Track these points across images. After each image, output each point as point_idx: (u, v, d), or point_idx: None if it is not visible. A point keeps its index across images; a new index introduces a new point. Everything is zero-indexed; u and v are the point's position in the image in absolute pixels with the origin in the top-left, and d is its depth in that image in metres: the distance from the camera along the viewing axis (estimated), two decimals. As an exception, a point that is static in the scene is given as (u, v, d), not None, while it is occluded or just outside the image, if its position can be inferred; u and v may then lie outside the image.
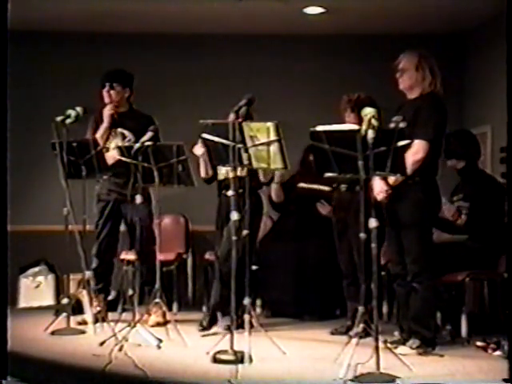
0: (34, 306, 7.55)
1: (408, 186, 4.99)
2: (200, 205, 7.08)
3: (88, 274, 6.03)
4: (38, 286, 7.74)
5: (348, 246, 5.85)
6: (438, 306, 5.31)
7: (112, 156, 6.16)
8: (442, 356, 4.92)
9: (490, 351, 5.09)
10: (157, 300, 5.63)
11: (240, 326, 5.13)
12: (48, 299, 7.67)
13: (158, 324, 5.89)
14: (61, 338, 5.60)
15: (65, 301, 6.01)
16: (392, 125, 4.95)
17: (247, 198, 5.37)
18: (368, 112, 4.50)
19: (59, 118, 5.90)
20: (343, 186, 5.86)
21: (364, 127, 4.44)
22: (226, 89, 7.56)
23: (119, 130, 6.50)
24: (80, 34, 7.81)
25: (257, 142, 4.86)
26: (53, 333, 5.73)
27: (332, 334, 5.89)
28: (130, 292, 5.80)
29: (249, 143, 4.88)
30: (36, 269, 7.79)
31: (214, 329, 5.85)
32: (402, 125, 4.57)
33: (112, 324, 5.60)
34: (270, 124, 4.80)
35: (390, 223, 5.11)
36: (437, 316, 5.41)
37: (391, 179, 4.96)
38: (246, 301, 5.08)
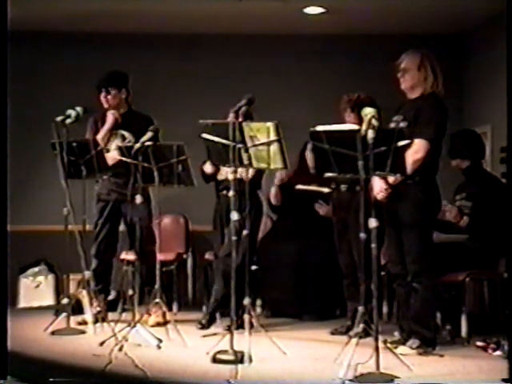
0: (34, 306, 7.54)
1: (408, 186, 4.98)
2: (200, 205, 7.07)
3: (88, 274, 6.04)
4: (37, 286, 7.74)
5: (348, 246, 5.84)
6: (438, 305, 5.30)
7: (112, 157, 6.17)
8: (441, 356, 4.92)
9: (490, 351, 5.09)
10: (157, 300, 5.63)
11: (240, 326, 5.13)
12: (48, 299, 7.67)
13: (158, 324, 5.87)
14: (61, 338, 5.60)
15: (65, 301, 6.01)
16: (392, 125, 4.97)
17: (247, 199, 5.36)
18: (368, 112, 4.50)
19: (59, 118, 5.90)
20: (343, 186, 5.85)
21: (364, 127, 4.44)
22: (225, 89, 7.55)
23: (119, 131, 6.52)
24: (80, 33, 7.80)
25: (257, 142, 4.85)
26: (53, 333, 5.73)
27: (332, 334, 5.89)
28: (130, 292, 5.80)
29: (249, 143, 4.88)
30: (36, 269, 7.79)
31: (214, 329, 5.85)
32: (402, 124, 4.58)
33: (112, 324, 5.60)
34: (270, 124, 4.79)
35: (390, 223, 5.10)
36: (437, 316, 5.39)
37: (391, 179, 4.96)
38: (246, 301, 5.08)
